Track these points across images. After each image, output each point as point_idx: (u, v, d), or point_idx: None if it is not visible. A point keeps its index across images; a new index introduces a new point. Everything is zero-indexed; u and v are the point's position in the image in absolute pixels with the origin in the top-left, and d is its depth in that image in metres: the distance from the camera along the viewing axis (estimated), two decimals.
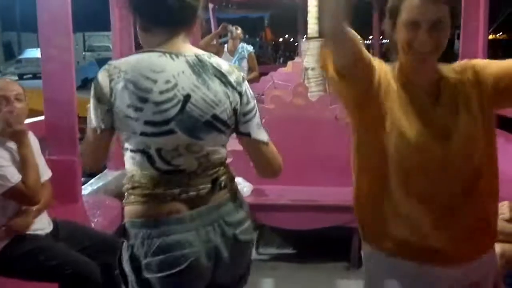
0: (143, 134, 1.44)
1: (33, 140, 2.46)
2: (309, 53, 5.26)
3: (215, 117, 1.50)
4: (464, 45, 4.38)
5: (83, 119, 5.67)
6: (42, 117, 3.39)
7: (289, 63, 6.93)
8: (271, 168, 1.66)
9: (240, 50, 5.98)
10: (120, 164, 5.10)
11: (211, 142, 1.52)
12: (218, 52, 5.94)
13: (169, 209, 1.47)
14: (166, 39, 1.50)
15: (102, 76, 1.46)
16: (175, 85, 1.44)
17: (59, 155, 3.25)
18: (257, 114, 1.61)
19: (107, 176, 4.12)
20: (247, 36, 20.07)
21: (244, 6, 14.69)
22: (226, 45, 6.16)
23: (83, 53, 25.49)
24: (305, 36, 6.45)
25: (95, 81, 1.47)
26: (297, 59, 8.35)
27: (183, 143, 1.47)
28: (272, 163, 1.65)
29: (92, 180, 4.05)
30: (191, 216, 1.48)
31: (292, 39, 32.46)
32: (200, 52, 1.55)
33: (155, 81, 1.41)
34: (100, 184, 3.95)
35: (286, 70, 7.56)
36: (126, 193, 1.55)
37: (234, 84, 1.54)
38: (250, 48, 5.97)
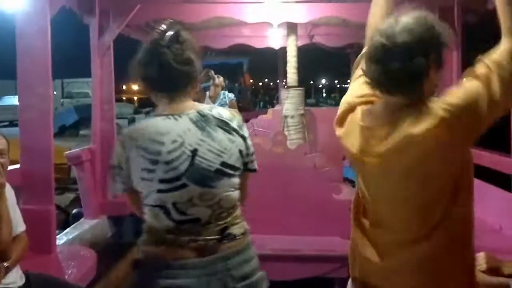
0: (159, 191, 1.58)
1: (9, 191, 2.40)
2: (289, 101, 5.34)
3: (224, 164, 1.62)
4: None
5: (58, 168, 5.59)
6: (17, 166, 3.32)
7: (270, 110, 7.03)
8: (247, 193, 1.78)
9: (221, 97, 6.06)
10: (97, 213, 5.04)
11: (222, 187, 1.62)
12: (200, 98, 6.02)
13: (178, 254, 1.58)
14: (168, 102, 1.65)
15: (117, 146, 1.64)
16: (182, 143, 1.57)
17: (34, 205, 3.18)
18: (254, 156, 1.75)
19: (83, 225, 4.03)
20: (226, 81, 20.41)
21: (223, 52, 14.97)
22: (207, 92, 6.23)
23: (61, 99, 25.37)
24: (284, 85, 6.56)
25: (114, 151, 1.64)
26: (277, 107, 8.46)
27: (196, 194, 1.59)
28: (248, 189, 1.79)
29: (68, 230, 3.96)
30: (194, 264, 1.57)
31: (271, 83, 32.96)
32: (201, 107, 1.68)
33: (162, 143, 1.56)
34: (76, 233, 3.86)
35: (267, 117, 7.63)
36: (143, 233, 1.69)
37: (237, 129, 1.67)
38: (231, 95, 6.06)
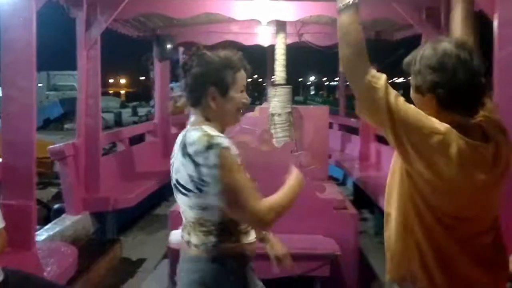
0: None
1: None
2: (276, 99, 5.32)
3: (177, 181, 1.77)
4: None
5: (42, 162, 5.53)
6: None
7: (257, 108, 6.97)
8: (242, 216, 1.84)
9: None
10: (80, 209, 4.99)
11: (181, 202, 1.80)
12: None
13: None
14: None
15: None
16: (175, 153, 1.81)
17: (14, 200, 3.13)
18: (218, 184, 1.68)
19: (65, 221, 3.99)
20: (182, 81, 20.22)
21: (212, 48, 14.82)
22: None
23: (47, 92, 25.05)
24: (272, 82, 6.54)
25: None
26: (264, 104, 8.44)
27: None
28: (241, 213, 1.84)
29: (49, 225, 3.91)
30: None
31: (261, 79, 32.92)
32: (191, 126, 1.83)
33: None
34: (57, 229, 3.82)
35: (254, 115, 7.61)
36: None
37: (192, 154, 1.71)
38: None
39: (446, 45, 1.56)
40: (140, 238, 5.52)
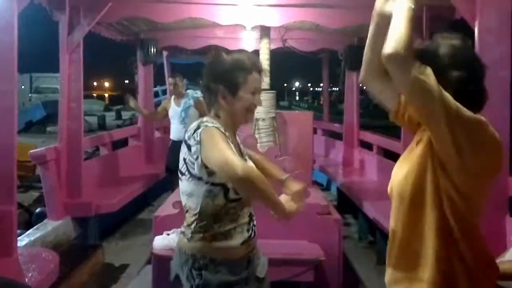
0: None
1: None
2: None
3: (179, 169, 1.92)
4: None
5: (23, 165, 5.46)
6: None
7: None
8: (250, 198, 2.01)
9: (185, 99, 5.93)
10: (61, 214, 4.93)
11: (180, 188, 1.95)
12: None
13: None
14: None
15: None
16: None
17: None
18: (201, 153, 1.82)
19: (46, 226, 3.93)
20: (201, 81, 20.14)
21: (197, 52, 14.80)
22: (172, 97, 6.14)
23: (30, 95, 24.77)
24: None
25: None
26: None
27: None
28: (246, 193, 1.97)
29: (30, 231, 3.85)
30: None
31: None
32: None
33: None
34: (38, 234, 3.76)
35: None
36: None
37: (186, 139, 1.87)
38: (197, 94, 5.92)
39: (457, 42, 1.62)
40: (123, 244, 5.47)
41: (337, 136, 8.71)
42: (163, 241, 3.69)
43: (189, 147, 1.85)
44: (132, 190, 5.81)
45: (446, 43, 1.63)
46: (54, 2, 4.74)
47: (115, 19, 5.67)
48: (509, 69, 3.38)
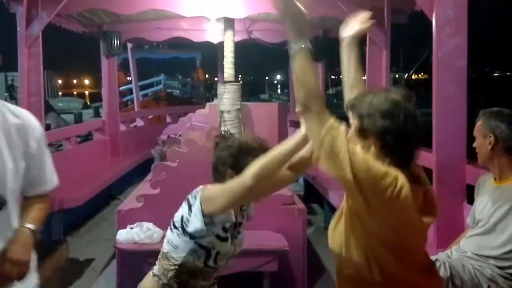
0: None
1: None
2: (225, 96, 5.32)
3: (172, 221, 1.98)
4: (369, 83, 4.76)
5: None
6: None
7: (207, 105, 6.97)
8: None
9: None
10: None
11: (166, 235, 2.01)
12: None
13: None
14: None
15: None
16: None
17: None
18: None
19: None
20: (180, 76, 19.97)
21: (175, 46, 14.66)
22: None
23: (5, 93, 24.09)
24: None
25: None
26: (215, 101, 8.45)
27: None
28: None
29: None
30: None
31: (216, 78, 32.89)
32: None
33: None
34: None
35: (204, 112, 7.58)
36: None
37: (188, 198, 1.95)
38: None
39: (394, 96, 1.62)
40: (87, 238, 5.40)
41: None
42: (127, 235, 3.67)
43: (189, 206, 1.92)
44: (97, 184, 5.73)
45: (380, 94, 1.65)
46: None
47: (75, 11, 5.56)
48: (466, 59, 3.48)
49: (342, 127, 1.54)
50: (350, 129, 1.70)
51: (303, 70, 1.54)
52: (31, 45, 4.75)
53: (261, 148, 1.97)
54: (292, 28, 1.57)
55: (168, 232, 1.98)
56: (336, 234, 1.73)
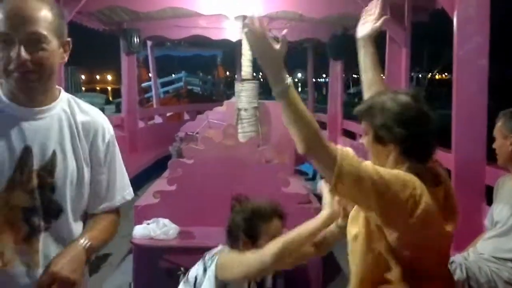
0: None
1: None
2: (243, 94, 5.32)
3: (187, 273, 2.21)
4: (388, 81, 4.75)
5: None
6: None
7: (225, 102, 6.98)
8: None
9: None
10: None
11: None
12: None
13: None
14: None
15: None
16: None
17: None
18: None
19: None
20: (201, 73, 20.07)
21: (196, 44, 14.74)
22: None
23: None
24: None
25: None
26: (233, 99, 8.47)
27: None
28: None
29: None
30: None
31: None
32: None
33: None
34: None
35: (222, 109, 7.60)
36: None
37: (205, 260, 2.11)
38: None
39: (404, 97, 1.62)
40: None
41: (321, 125, 8.71)
42: (143, 231, 3.70)
43: (205, 268, 1.99)
44: None
45: (390, 98, 1.64)
46: None
47: (95, 8, 5.61)
48: (487, 58, 3.42)
49: (351, 150, 1.53)
50: (364, 137, 1.70)
51: (294, 112, 1.48)
52: None
53: (275, 213, 2.00)
54: (270, 73, 1.50)
55: (180, 283, 2.11)
56: (352, 228, 1.72)
